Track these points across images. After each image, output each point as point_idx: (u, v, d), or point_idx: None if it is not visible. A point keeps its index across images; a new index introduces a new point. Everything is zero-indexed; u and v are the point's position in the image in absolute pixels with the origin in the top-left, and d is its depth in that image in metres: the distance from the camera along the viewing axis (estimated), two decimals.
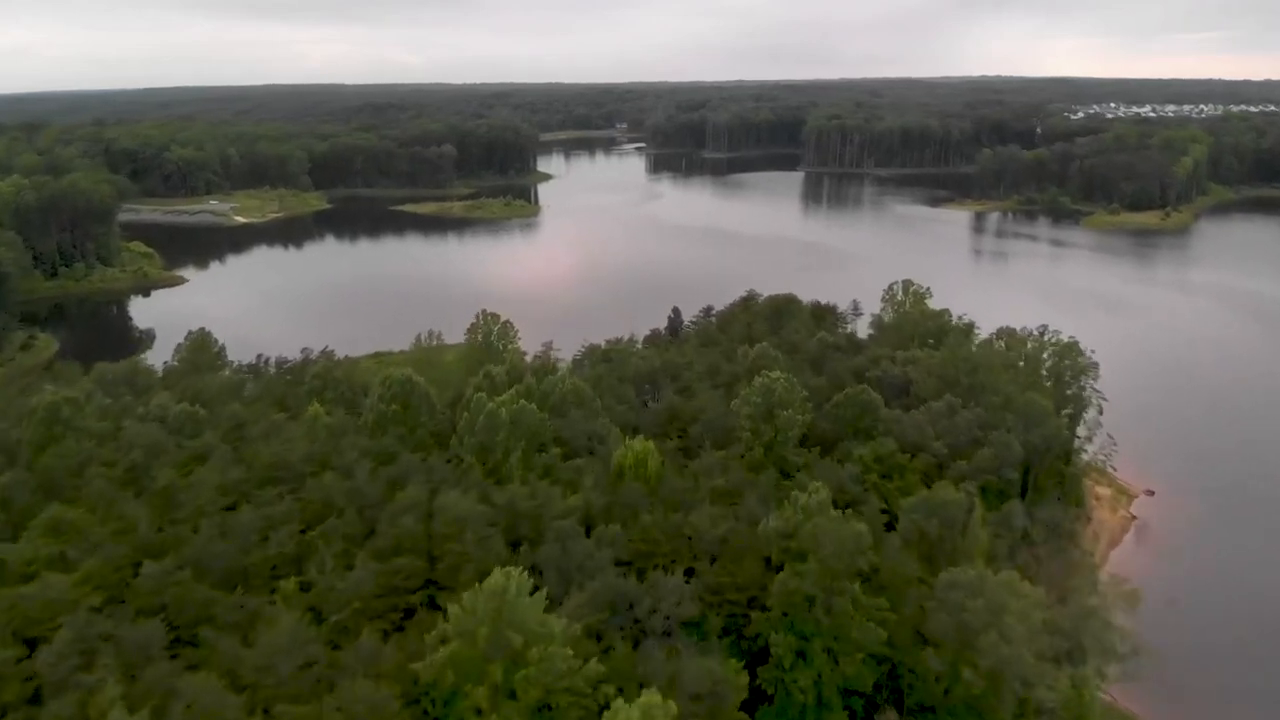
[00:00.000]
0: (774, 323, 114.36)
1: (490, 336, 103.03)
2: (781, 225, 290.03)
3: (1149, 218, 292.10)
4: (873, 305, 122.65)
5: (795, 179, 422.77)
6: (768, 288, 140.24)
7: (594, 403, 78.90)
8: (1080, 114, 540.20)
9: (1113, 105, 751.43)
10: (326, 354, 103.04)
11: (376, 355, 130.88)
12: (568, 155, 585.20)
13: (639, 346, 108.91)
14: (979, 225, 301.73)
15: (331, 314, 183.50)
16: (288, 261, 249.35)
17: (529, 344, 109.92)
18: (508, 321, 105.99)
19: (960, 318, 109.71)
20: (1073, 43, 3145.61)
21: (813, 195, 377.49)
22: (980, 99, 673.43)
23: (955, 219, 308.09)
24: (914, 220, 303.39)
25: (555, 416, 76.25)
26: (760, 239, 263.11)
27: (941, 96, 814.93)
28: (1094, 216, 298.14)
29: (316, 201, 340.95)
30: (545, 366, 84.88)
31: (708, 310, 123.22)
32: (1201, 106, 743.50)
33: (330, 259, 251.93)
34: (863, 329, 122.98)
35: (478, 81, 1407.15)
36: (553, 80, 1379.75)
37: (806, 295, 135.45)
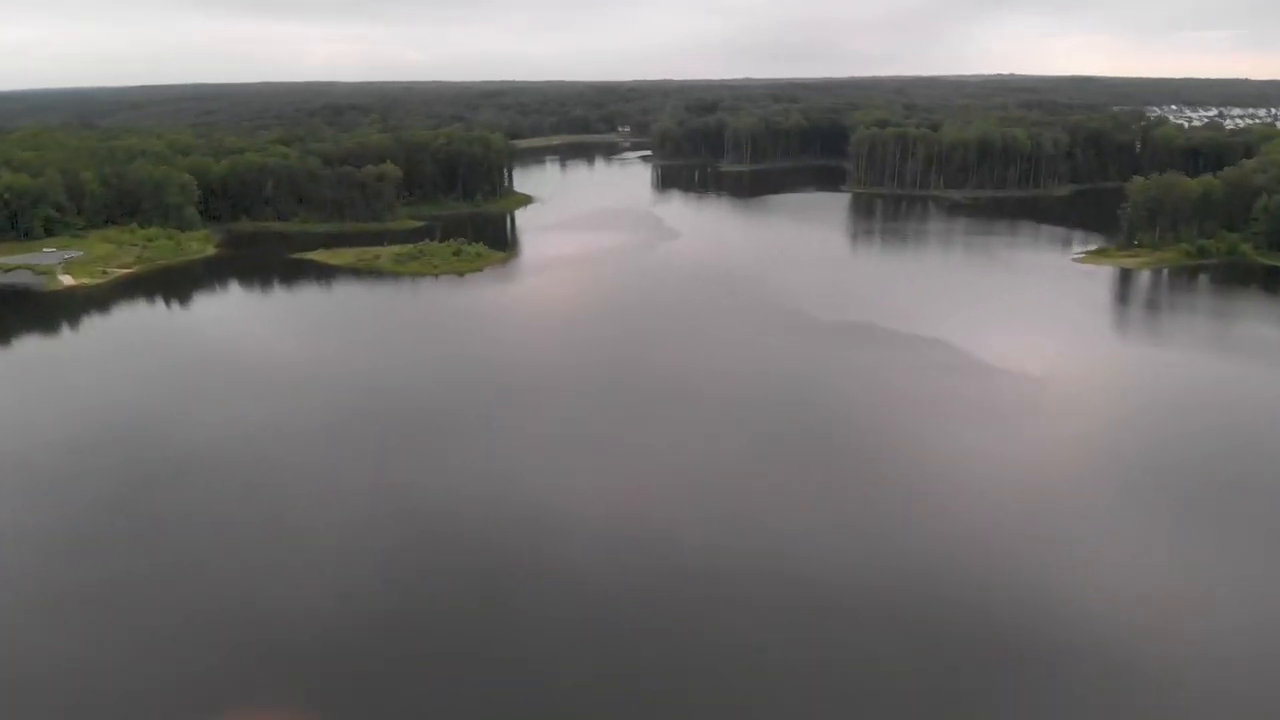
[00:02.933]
0: None
1: None
2: (867, 295, 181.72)
3: None
4: None
5: (841, 202, 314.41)
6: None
7: None
8: (1194, 120, 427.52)
9: (1174, 107, 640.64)
10: None
11: None
12: (563, 163, 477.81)
13: None
14: (1137, 292, 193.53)
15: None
16: (33, 404, 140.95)
17: None
18: None
19: None
20: (1076, 41, 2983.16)
21: (879, 231, 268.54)
22: (1035, 100, 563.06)
23: (1095, 276, 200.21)
24: (1049, 279, 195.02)
25: None
26: (853, 329, 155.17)
27: (969, 95, 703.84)
28: None
29: (200, 245, 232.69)
30: None
31: None
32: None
33: (111, 408, 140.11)
34: None
35: (479, 79, 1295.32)
36: (554, 78, 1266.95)
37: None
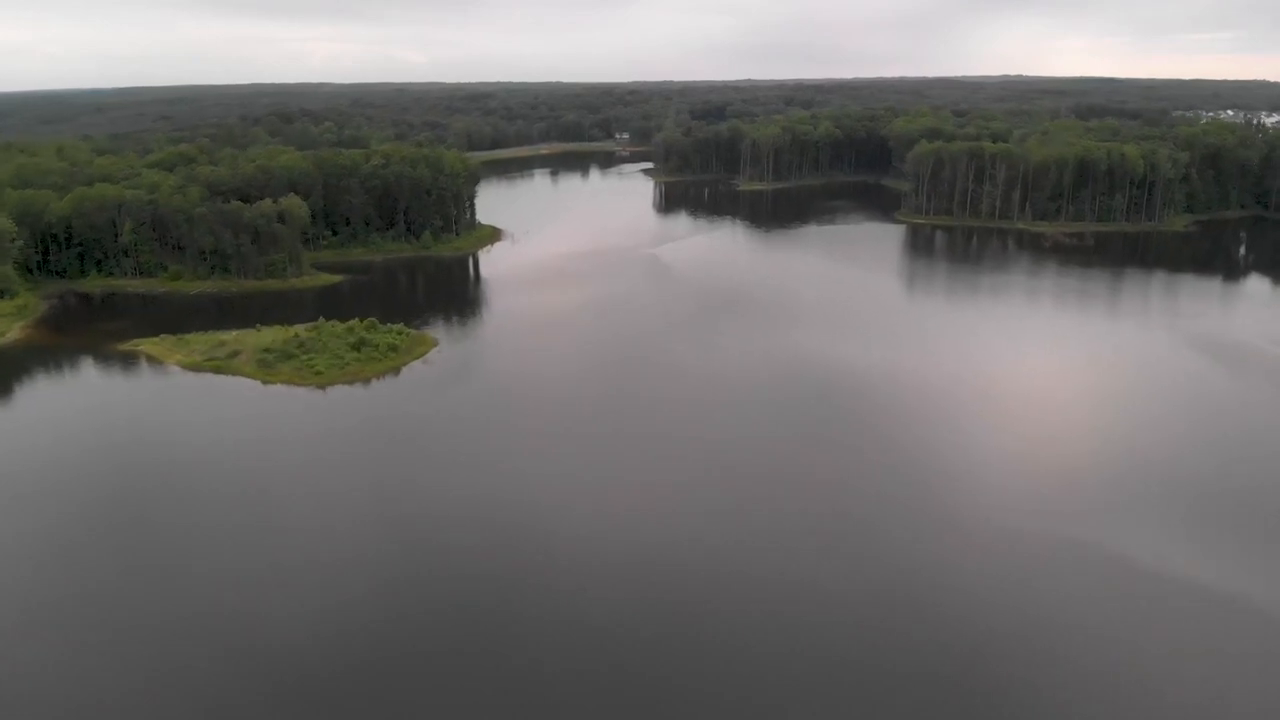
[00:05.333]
0: None
1: None
2: (1042, 444, 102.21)
3: None
4: None
5: (899, 236, 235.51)
6: None
7: None
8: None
9: (1229, 112, 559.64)
10: None
11: None
12: (554, 175, 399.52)
13: None
14: None
15: None
16: None
17: None
18: None
19: None
20: (1080, 43, 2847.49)
21: (982, 288, 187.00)
22: (1083, 105, 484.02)
23: None
24: None
25: None
26: (1077, 570, 76.62)
27: (992, 98, 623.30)
28: None
29: (1, 325, 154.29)
30: None
31: None
32: None
33: None
34: None
35: (477, 80, 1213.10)
36: (551, 79, 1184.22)
37: None
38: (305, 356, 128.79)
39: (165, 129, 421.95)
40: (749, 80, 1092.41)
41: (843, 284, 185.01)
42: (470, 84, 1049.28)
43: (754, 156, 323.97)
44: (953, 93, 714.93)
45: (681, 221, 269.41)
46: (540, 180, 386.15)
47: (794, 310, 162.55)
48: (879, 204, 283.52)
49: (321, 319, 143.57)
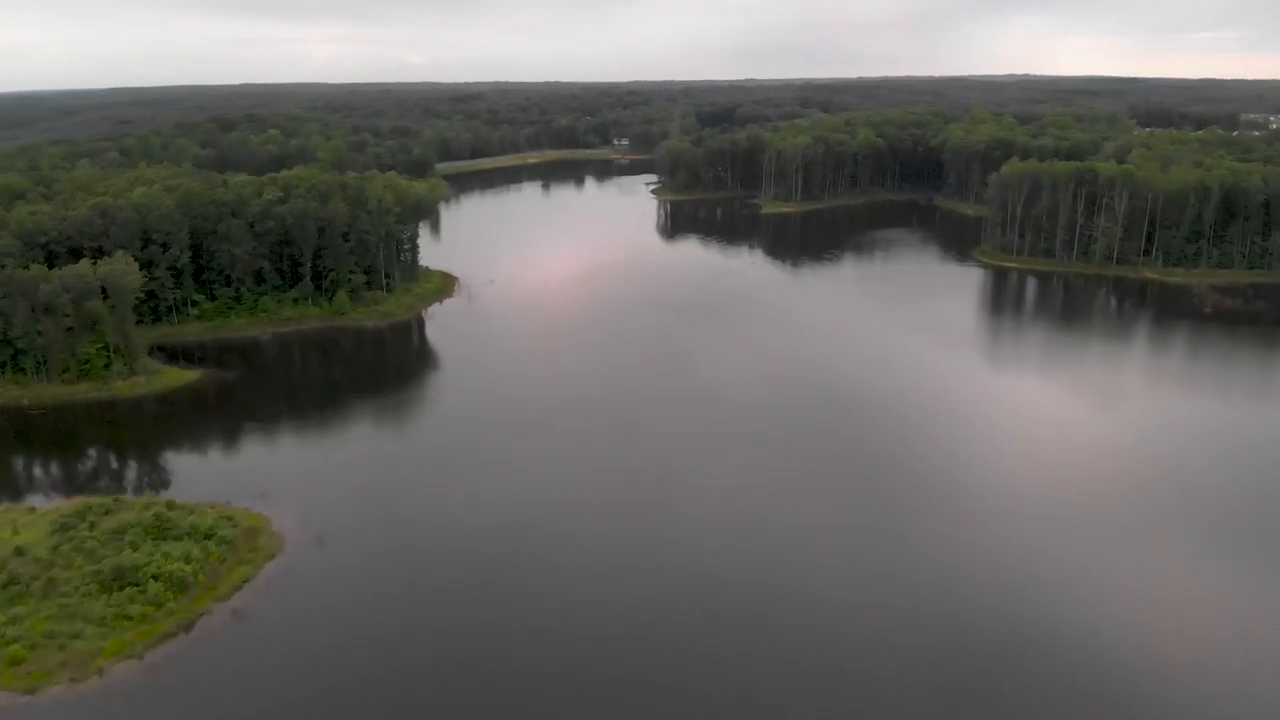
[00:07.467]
0: None
1: None
2: None
3: None
4: None
5: (977, 285, 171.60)
6: None
7: None
8: None
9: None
10: None
11: None
12: (546, 186, 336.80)
13: None
14: None
15: None
16: None
17: None
18: None
19: None
20: (1080, 41, 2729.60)
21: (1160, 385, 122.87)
22: (1154, 109, 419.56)
23: None
24: None
25: None
26: None
27: (1017, 99, 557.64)
28: None
29: None
30: None
31: None
32: None
33: None
34: None
35: (474, 81, 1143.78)
36: (553, 80, 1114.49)
37: None
38: (10, 612, 64.83)
39: (110, 135, 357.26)
40: (752, 80, 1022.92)
41: (955, 390, 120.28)
42: (467, 85, 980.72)
43: (778, 171, 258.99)
44: (971, 93, 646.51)
45: (693, 255, 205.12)
46: (526, 195, 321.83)
47: (862, 433, 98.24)
48: (939, 232, 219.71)
49: (84, 499, 79.73)
